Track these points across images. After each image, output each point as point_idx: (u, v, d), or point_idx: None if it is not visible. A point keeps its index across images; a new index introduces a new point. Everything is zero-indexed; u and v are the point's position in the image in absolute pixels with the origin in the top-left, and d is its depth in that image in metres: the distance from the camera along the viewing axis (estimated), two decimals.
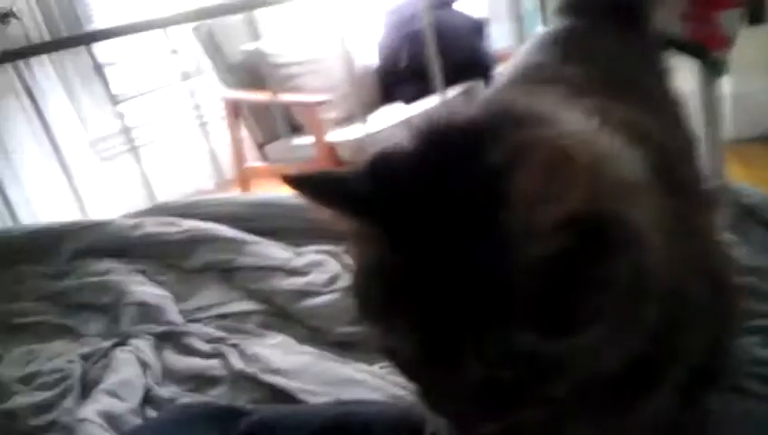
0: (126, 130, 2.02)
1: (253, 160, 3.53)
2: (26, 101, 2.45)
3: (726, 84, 2.69)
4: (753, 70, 3.14)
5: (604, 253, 0.50)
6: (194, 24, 3.35)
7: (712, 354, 0.75)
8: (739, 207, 1.31)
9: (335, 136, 3.19)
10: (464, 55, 3.55)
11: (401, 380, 1.10)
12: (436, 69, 1.94)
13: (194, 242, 1.55)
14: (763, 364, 0.99)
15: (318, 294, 1.35)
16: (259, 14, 2.36)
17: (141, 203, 2.00)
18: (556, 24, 1.05)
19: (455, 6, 3.77)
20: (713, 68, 1.47)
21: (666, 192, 0.60)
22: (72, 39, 2.17)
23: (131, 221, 1.68)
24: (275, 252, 1.48)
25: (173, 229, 1.60)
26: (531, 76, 0.91)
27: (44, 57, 3.06)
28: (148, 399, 1.18)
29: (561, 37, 1.00)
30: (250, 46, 3.08)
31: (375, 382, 1.11)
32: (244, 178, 3.49)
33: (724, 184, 1.41)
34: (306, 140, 3.29)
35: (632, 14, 1.06)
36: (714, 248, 0.77)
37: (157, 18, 2.01)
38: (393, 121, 3.24)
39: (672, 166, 0.71)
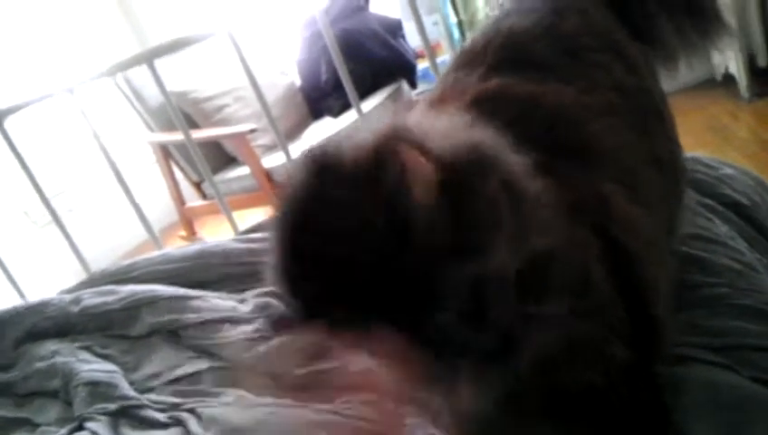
0: (45, 200, 1.97)
1: (191, 200, 3.49)
2: None
3: None
4: None
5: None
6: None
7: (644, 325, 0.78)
8: None
9: (270, 162, 3.16)
10: (385, 57, 3.55)
11: (363, 413, 1.10)
12: (347, 81, 1.93)
13: (135, 308, 1.51)
14: (710, 334, 1.00)
15: (267, 338, 1.33)
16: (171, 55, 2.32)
17: (78, 270, 1.95)
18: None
19: (369, 9, 3.77)
20: None
21: None
22: None
23: (69, 296, 1.63)
24: (218, 303, 1.45)
25: (112, 298, 1.55)
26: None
27: None
28: None
29: None
30: (169, 87, 3.03)
31: (336, 420, 1.10)
32: (187, 220, 3.44)
33: None
34: (242, 170, 3.26)
35: None
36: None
37: (65, 83, 1.96)
38: (324, 137, 3.22)
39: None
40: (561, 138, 0.77)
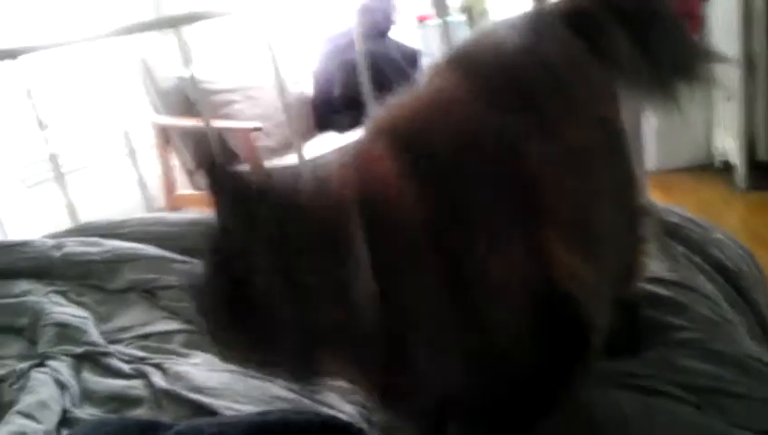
0: (53, 157, 1.95)
1: (184, 188, 3.48)
2: None
3: (651, 119, 2.81)
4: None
5: None
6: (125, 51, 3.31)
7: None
8: (661, 225, 1.35)
9: (270, 165, 3.17)
10: (399, 85, 3.58)
11: (328, 398, 1.10)
12: (368, 97, 1.95)
13: (117, 262, 1.51)
14: (682, 372, 1.02)
15: None
16: (191, 38, 2.34)
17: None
18: None
19: (390, 36, 3.81)
20: None
21: None
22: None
23: (52, 241, 1.63)
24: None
25: (95, 249, 1.55)
26: None
27: None
28: (65, 421, 1.14)
29: None
30: (182, 72, 3.04)
31: (300, 401, 1.10)
32: (175, 207, 3.43)
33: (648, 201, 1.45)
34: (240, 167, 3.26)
35: None
36: None
37: (82, 35, 1.96)
38: (326, 151, 3.24)
39: None
40: (526, 199, 0.79)
